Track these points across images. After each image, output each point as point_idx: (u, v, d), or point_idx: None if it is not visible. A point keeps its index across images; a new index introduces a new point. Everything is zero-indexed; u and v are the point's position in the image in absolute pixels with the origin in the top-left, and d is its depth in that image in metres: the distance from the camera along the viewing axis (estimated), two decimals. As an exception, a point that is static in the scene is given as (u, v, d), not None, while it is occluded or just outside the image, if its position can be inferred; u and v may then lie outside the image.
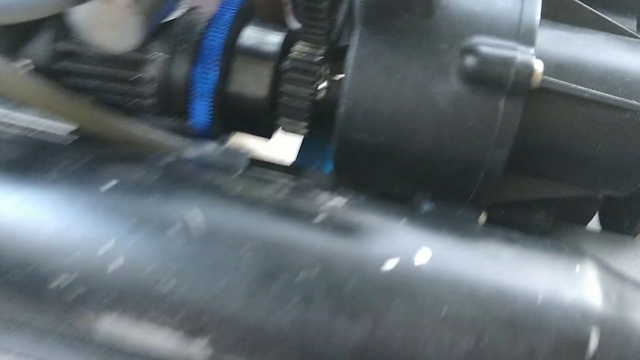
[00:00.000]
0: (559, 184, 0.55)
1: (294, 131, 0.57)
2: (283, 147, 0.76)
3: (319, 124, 0.59)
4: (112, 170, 0.46)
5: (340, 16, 0.65)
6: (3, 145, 0.48)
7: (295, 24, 0.73)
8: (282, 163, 0.63)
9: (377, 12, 0.49)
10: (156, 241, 0.42)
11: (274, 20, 0.72)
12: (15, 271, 0.43)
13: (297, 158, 0.72)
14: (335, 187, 0.59)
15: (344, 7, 0.66)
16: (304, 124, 0.56)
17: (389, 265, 0.41)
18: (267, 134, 0.60)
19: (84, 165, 0.46)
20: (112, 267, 0.42)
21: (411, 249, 0.42)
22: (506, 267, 0.43)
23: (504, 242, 0.44)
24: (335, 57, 0.62)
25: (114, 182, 0.44)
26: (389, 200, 0.55)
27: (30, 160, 0.46)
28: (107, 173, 0.45)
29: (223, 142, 0.60)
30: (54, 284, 0.42)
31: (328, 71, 0.59)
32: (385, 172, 0.53)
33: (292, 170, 0.62)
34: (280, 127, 0.58)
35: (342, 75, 0.71)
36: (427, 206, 0.55)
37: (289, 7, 0.73)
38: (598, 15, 0.53)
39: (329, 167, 0.69)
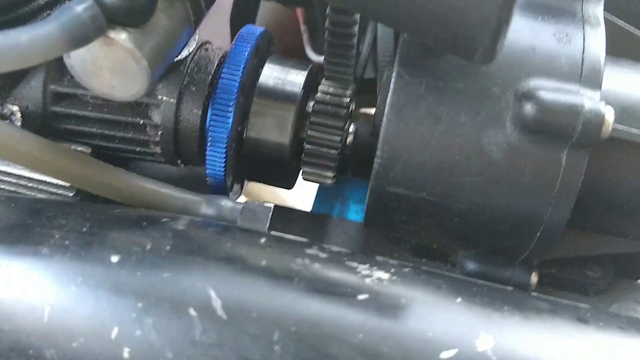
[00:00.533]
0: (618, 238, 0.49)
1: (319, 181, 0.51)
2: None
3: (343, 167, 0.53)
4: (115, 239, 0.39)
5: (364, 48, 0.59)
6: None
7: (313, 55, 0.67)
8: (304, 212, 0.57)
9: (417, 51, 0.43)
10: (168, 329, 0.36)
11: (292, 51, 0.66)
12: (15, 355, 0.37)
13: (315, 201, 0.66)
14: (365, 241, 0.53)
15: (367, 38, 0.60)
16: (331, 174, 0.50)
17: (449, 354, 0.35)
18: (288, 184, 0.53)
19: (82, 235, 0.39)
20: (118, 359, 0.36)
21: (471, 334, 0.36)
22: (580, 354, 0.36)
23: (574, 322, 0.38)
24: (360, 90, 0.56)
25: (117, 256, 0.38)
26: (436, 266, 0.49)
27: (22, 228, 0.40)
28: (110, 244, 0.39)
29: (238, 192, 0.54)
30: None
31: (353, 107, 0.53)
32: (425, 228, 0.47)
33: (317, 220, 0.56)
34: (303, 177, 0.51)
35: (367, 110, 0.65)
36: (472, 266, 0.49)
37: (306, 37, 0.67)
38: (664, 50, 0.47)
39: (351, 214, 0.63)
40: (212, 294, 0.36)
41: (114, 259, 0.38)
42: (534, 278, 0.48)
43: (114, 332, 0.36)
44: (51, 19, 0.35)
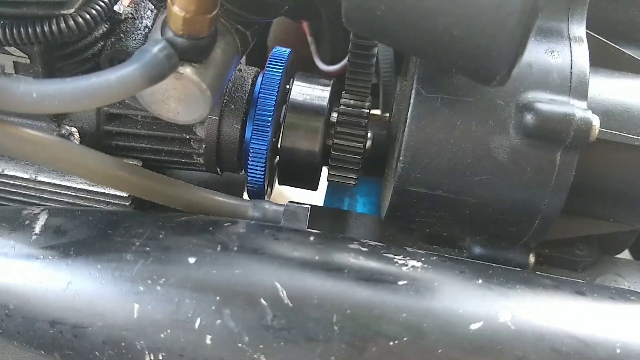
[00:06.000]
0: (602, 221, 0.58)
1: (343, 183, 0.58)
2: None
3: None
4: (189, 244, 0.46)
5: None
6: (68, 222, 0.48)
7: (321, 64, 0.74)
8: (325, 209, 0.64)
9: (432, 71, 0.50)
10: (243, 317, 0.43)
11: (301, 61, 0.72)
12: (109, 347, 0.44)
13: (326, 197, 0.73)
14: (382, 232, 0.61)
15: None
16: (354, 175, 0.57)
17: (477, 325, 0.43)
18: (314, 185, 0.60)
19: (160, 242, 0.46)
20: (203, 346, 0.43)
21: (493, 308, 0.44)
22: (581, 321, 0.44)
23: (574, 295, 0.46)
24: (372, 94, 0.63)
25: (193, 258, 0.45)
26: (446, 251, 0.57)
27: (105, 238, 0.46)
28: (185, 248, 0.45)
29: (269, 195, 0.61)
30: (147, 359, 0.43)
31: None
32: (440, 220, 0.54)
33: (337, 215, 0.63)
34: (329, 179, 0.58)
35: (376, 113, 0.72)
36: (478, 250, 0.56)
37: (314, 48, 0.73)
38: (637, 59, 0.55)
39: (359, 206, 0.70)
40: (278, 285, 0.43)
41: (191, 260, 0.44)
42: (532, 258, 0.56)
43: (197, 323, 0.43)
44: (133, 61, 0.41)
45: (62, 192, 0.55)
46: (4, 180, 0.54)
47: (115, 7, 0.53)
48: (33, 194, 0.55)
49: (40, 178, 0.54)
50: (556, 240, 0.60)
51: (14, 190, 0.55)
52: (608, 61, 0.55)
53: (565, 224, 0.58)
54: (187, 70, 0.44)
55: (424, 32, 0.39)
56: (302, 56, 0.74)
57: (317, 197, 0.73)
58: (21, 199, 0.56)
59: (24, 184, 0.55)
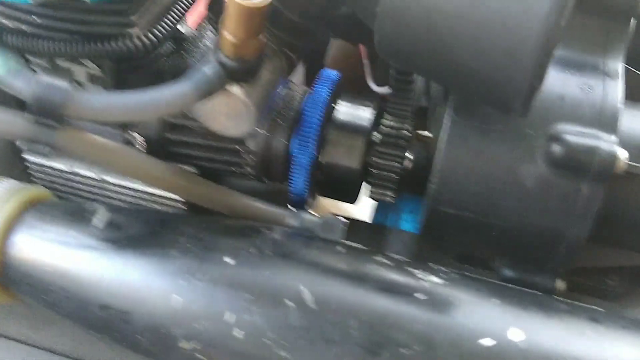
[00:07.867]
0: (634, 252, 0.58)
1: (382, 199, 0.61)
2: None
3: (401, 186, 0.63)
4: (227, 244, 0.50)
5: (418, 82, 0.69)
6: (123, 219, 0.53)
7: (374, 86, 0.78)
8: (367, 223, 0.68)
9: (466, 100, 0.53)
10: (271, 316, 0.47)
11: (356, 81, 0.76)
12: (148, 332, 0.48)
13: (375, 213, 0.76)
14: (418, 249, 0.63)
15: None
16: (392, 193, 0.60)
17: (486, 341, 0.45)
18: (353, 199, 0.64)
19: (201, 241, 0.50)
20: (232, 338, 0.47)
21: (503, 327, 0.46)
22: (590, 346, 0.46)
23: (588, 321, 0.48)
24: (416, 115, 0.66)
25: (229, 258, 0.49)
26: (477, 272, 0.59)
27: (154, 235, 0.51)
28: (223, 248, 0.50)
29: (312, 205, 0.65)
30: (181, 345, 0.48)
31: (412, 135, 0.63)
32: (469, 240, 0.57)
33: (377, 230, 0.66)
34: (370, 195, 0.62)
35: (424, 132, 0.75)
36: (507, 272, 0.58)
37: (368, 70, 0.77)
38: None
39: (404, 224, 0.73)
40: (303, 288, 0.47)
41: (227, 259, 0.49)
42: (560, 284, 0.58)
43: (227, 316, 0.47)
44: (186, 78, 0.47)
45: (124, 192, 0.61)
46: (73, 177, 0.61)
47: (181, 28, 0.59)
48: (98, 191, 0.62)
49: (104, 177, 0.61)
50: (589, 268, 0.61)
51: (81, 187, 0.61)
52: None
53: (597, 253, 0.59)
54: (235, 89, 0.49)
55: (445, 65, 0.42)
56: (358, 77, 0.78)
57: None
58: (87, 195, 0.62)
59: (90, 182, 0.61)
